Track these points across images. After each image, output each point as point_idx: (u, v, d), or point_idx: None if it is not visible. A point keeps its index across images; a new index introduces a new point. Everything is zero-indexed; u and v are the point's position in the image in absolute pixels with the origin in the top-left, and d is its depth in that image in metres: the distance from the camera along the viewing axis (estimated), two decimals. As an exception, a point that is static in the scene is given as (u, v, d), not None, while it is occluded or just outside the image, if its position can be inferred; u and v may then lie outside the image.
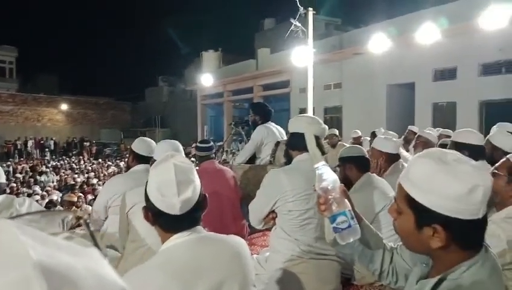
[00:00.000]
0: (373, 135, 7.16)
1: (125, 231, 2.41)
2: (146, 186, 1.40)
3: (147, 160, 3.00)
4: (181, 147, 2.67)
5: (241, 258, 1.41)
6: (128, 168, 3.18)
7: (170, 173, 1.34)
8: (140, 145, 3.05)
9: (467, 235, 1.00)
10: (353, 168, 2.80)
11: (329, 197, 1.28)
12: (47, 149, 27.40)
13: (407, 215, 1.06)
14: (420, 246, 1.06)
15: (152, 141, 3.14)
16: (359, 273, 2.56)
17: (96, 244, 0.43)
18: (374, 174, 2.93)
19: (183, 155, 2.84)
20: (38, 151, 26.81)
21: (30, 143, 27.08)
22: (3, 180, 2.60)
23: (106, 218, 2.92)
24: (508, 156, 2.04)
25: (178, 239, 1.35)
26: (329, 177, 1.33)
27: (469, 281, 0.97)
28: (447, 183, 0.97)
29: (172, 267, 1.27)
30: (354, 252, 1.38)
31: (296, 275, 2.23)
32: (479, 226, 1.00)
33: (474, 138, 3.07)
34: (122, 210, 2.40)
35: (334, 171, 3.19)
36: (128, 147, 3.51)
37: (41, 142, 27.76)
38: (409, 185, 1.04)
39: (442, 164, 1.00)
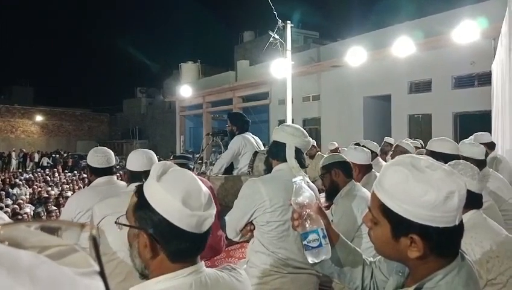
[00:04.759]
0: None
1: (96, 244, 2.32)
2: (147, 202, 1.05)
3: (106, 171, 2.87)
4: (155, 157, 2.58)
5: None
6: (90, 182, 3.02)
7: (193, 179, 1.08)
8: (93, 158, 2.89)
9: (444, 244, 0.98)
10: (340, 173, 2.77)
11: (304, 213, 1.25)
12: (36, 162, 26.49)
13: (382, 225, 1.03)
14: (397, 255, 1.04)
15: (107, 149, 2.98)
16: (338, 284, 2.54)
17: (101, 266, 0.37)
18: (358, 183, 2.92)
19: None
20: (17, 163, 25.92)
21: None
22: None
23: None
24: None
25: (173, 280, 1.04)
26: (306, 192, 1.30)
27: None
28: (422, 191, 0.95)
29: None
30: (333, 271, 1.35)
31: None
32: (456, 233, 0.99)
33: (449, 146, 3.11)
34: (92, 222, 2.31)
35: (314, 181, 3.16)
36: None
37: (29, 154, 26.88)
38: (383, 195, 1.02)
39: (415, 171, 0.98)
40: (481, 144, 3.60)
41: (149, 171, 1.14)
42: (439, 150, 3.08)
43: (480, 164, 3.13)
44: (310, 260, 1.24)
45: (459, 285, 0.96)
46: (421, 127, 13.50)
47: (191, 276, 1.06)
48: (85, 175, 18.44)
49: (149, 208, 1.03)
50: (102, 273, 0.37)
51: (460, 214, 0.98)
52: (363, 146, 5.06)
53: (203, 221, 1.04)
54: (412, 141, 5.94)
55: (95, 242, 0.40)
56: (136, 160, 2.48)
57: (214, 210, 1.08)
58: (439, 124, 12.83)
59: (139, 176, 2.31)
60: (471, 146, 3.42)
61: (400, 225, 0.99)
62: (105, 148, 3.03)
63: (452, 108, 12.63)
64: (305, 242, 1.23)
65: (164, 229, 1.02)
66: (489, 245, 1.84)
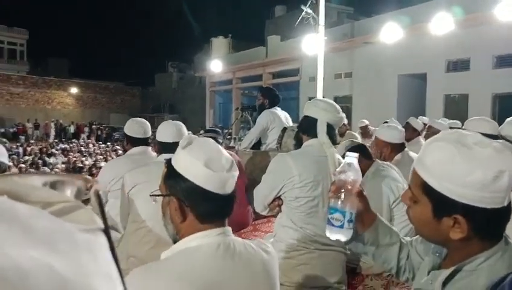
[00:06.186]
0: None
1: (126, 212, 2.36)
2: (175, 171, 1.14)
3: (142, 141, 2.95)
4: (184, 128, 2.59)
5: (270, 278, 1.22)
6: (125, 152, 3.12)
7: (215, 146, 1.17)
8: (131, 127, 2.99)
9: (490, 226, 0.92)
10: (360, 157, 2.68)
11: (342, 189, 1.18)
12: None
13: (423, 204, 0.97)
14: (437, 236, 0.99)
15: (145, 121, 3.06)
16: (365, 263, 2.50)
17: (104, 221, 0.35)
18: (382, 161, 2.83)
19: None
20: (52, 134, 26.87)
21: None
22: (5, 160, 2.49)
23: (106, 202, 2.86)
24: None
25: (203, 239, 1.12)
26: (353, 171, 1.23)
27: (486, 274, 0.90)
28: (468, 170, 0.88)
29: (190, 278, 1.06)
30: (368, 251, 1.30)
31: (300, 266, 2.17)
32: (503, 215, 0.92)
33: (488, 126, 2.96)
34: (123, 191, 2.35)
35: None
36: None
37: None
38: (425, 172, 0.95)
39: (461, 148, 0.91)
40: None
41: (178, 142, 1.18)
42: (477, 130, 2.93)
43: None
44: (327, 233, 1.21)
45: (502, 268, 0.90)
46: (457, 108, 13.03)
47: (219, 237, 1.14)
48: (118, 147, 18.93)
49: (177, 175, 1.13)
50: (106, 231, 0.35)
51: (510, 195, 0.91)
52: (407, 122, 4.90)
53: (226, 181, 1.12)
54: (450, 121, 5.68)
55: (99, 198, 0.39)
56: (166, 131, 2.50)
57: (236, 172, 1.16)
58: (477, 105, 12.33)
59: (169, 147, 2.32)
60: None
61: (442, 205, 0.93)
62: (143, 119, 3.12)
63: (492, 89, 12.10)
64: (329, 216, 1.20)
65: (191, 192, 1.11)
66: None
